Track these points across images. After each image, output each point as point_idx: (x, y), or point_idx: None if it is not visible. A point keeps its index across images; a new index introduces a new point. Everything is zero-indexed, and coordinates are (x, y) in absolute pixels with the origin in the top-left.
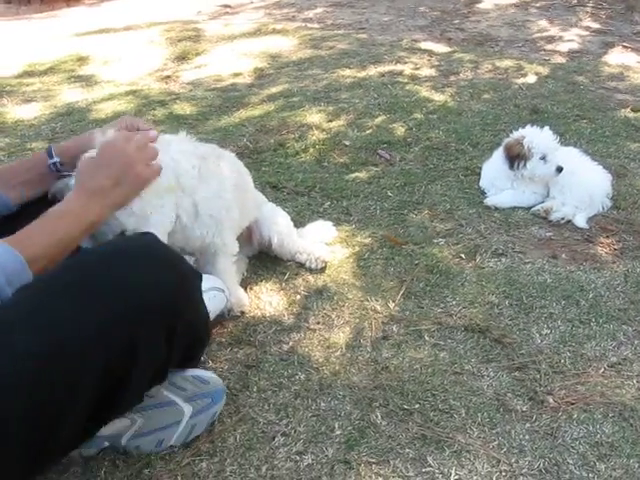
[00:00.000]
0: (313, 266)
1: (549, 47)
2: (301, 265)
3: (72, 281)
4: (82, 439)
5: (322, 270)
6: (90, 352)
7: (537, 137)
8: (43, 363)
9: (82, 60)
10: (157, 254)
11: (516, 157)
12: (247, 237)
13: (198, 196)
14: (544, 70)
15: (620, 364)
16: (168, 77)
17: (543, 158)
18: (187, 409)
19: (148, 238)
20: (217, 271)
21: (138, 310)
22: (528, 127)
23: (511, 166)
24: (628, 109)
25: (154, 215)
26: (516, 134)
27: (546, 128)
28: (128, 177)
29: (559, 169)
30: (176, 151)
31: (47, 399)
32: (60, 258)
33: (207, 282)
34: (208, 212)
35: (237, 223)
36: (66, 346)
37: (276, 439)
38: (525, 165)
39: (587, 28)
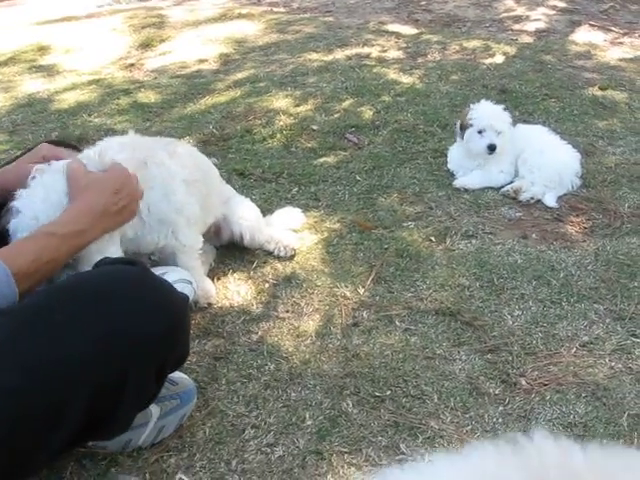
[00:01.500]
0: (282, 254)
1: (516, 27)
2: (269, 253)
3: (62, 313)
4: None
5: (291, 257)
6: (76, 387)
7: (481, 110)
8: (26, 399)
9: (43, 49)
10: (149, 286)
11: (464, 127)
12: (215, 232)
13: (141, 204)
14: (512, 50)
15: (592, 343)
16: (132, 65)
17: (480, 132)
18: (155, 410)
19: (137, 270)
20: (180, 267)
21: (129, 345)
22: (483, 101)
23: (462, 136)
24: (596, 87)
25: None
26: (472, 106)
27: (497, 107)
28: (126, 210)
29: (490, 147)
30: None
31: (28, 432)
32: (49, 277)
33: (174, 274)
34: (156, 217)
35: (199, 219)
36: (52, 381)
37: (246, 432)
38: (463, 135)
39: (554, 7)
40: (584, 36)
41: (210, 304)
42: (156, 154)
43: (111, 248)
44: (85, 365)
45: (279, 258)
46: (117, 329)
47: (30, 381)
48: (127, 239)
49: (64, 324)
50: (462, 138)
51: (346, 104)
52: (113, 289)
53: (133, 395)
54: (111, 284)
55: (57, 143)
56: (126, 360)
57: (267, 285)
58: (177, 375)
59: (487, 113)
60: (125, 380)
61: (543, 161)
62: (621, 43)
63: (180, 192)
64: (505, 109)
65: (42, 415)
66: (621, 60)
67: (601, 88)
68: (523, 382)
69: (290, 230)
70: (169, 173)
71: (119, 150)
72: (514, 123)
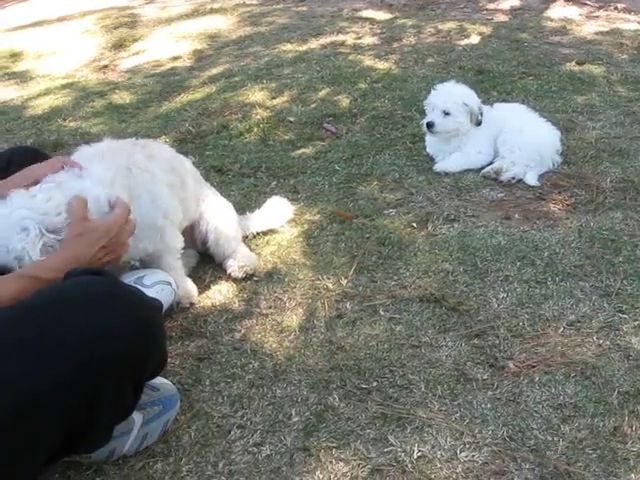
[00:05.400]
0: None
1: (491, 6)
2: (250, 249)
3: (26, 337)
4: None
5: (271, 253)
6: (48, 411)
7: (436, 90)
8: None
9: (15, 56)
10: (119, 298)
11: None
12: (190, 236)
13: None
14: (487, 30)
15: (579, 322)
16: (105, 67)
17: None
18: (138, 417)
19: (106, 280)
20: (163, 269)
21: (102, 361)
22: (447, 82)
23: None
24: (573, 63)
25: None
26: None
27: (457, 88)
28: (108, 263)
29: (428, 124)
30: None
31: (3, 451)
32: None
33: (153, 276)
34: (146, 225)
35: (180, 221)
36: (25, 400)
37: (232, 432)
38: None
39: None
40: (559, 12)
41: (192, 304)
42: (136, 159)
43: None
44: (58, 383)
45: (259, 254)
46: (88, 345)
47: (2, 399)
48: None
49: (34, 341)
50: None
51: (322, 94)
52: (82, 303)
53: (110, 409)
54: (80, 298)
55: (32, 151)
56: (100, 376)
57: (248, 282)
58: (159, 381)
59: (439, 93)
60: (100, 395)
61: (523, 140)
62: (597, 17)
63: (165, 197)
64: (472, 90)
65: (17, 434)
66: (597, 34)
67: (578, 63)
68: (511, 365)
69: (282, 220)
70: (153, 178)
71: (99, 160)
72: (491, 103)
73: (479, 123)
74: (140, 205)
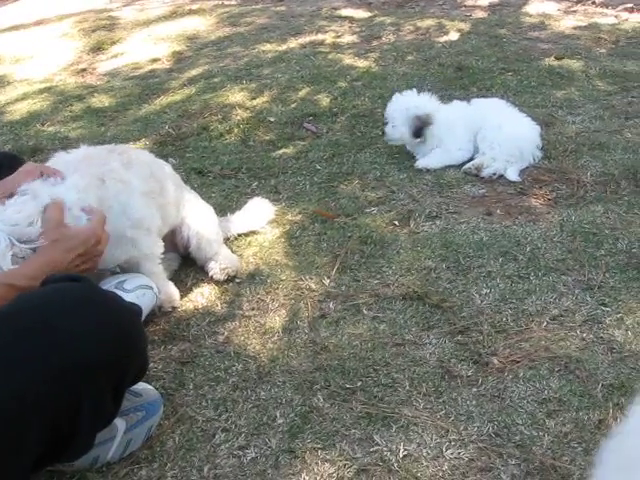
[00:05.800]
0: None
1: (469, 3)
2: (232, 251)
3: (4, 343)
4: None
5: (253, 254)
6: (28, 417)
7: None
8: None
9: None
10: (95, 304)
11: None
12: (171, 240)
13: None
14: (466, 26)
15: (562, 316)
16: (84, 70)
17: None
18: (120, 424)
19: (82, 287)
20: (144, 274)
21: (79, 371)
22: (406, 91)
23: None
24: (552, 58)
25: None
26: None
27: (400, 95)
28: (84, 271)
29: (382, 132)
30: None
31: None
32: None
33: (134, 281)
34: (115, 235)
35: (159, 228)
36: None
37: (217, 436)
38: None
39: None
40: (537, 7)
41: (174, 308)
42: (112, 168)
43: None
44: (37, 390)
45: (241, 255)
46: (67, 352)
47: None
48: None
49: (12, 348)
50: None
51: (302, 93)
52: (60, 310)
53: (91, 415)
54: (58, 305)
55: (9, 157)
56: (79, 382)
57: (230, 284)
58: (141, 386)
59: (390, 102)
60: (80, 402)
61: (503, 136)
62: (575, 11)
63: (139, 206)
64: (431, 100)
65: None
66: (575, 28)
67: (557, 58)
68: (495, 361)
69: (263, 222)
70: (127, 188)
71: (74, 168)
72: (469, 99)
73: (417, 135)
74: (111, 215)
